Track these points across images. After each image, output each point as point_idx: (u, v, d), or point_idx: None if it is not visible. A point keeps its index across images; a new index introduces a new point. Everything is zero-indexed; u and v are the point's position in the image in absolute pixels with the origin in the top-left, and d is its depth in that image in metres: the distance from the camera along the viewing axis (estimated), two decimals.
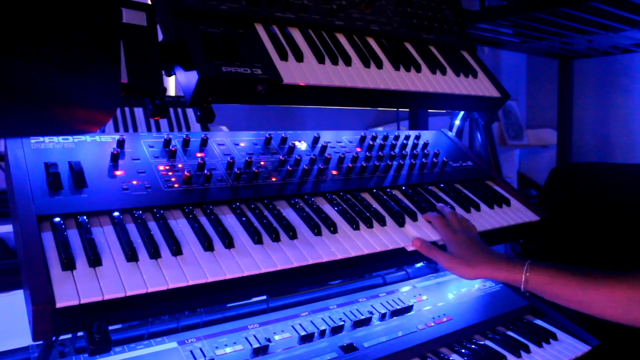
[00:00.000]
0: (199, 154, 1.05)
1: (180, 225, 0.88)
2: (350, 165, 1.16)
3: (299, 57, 0.97)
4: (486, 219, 1.18)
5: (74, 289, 0.70)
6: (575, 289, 0.91)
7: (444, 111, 2.36)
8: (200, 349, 0.96)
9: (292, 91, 0.95)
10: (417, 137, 1.39)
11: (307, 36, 1.03)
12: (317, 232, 0.95)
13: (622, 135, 3.20)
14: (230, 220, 0.93)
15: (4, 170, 0.91)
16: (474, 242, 1.03)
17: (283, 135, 1.18)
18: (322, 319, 1.10)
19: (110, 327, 0.73)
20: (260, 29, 0.98)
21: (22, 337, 0.93)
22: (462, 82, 1.21)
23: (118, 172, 0.93)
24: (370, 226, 1.02)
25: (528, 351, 1.11)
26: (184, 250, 0.83)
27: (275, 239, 0.90)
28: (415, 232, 1.05)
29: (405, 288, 1.32)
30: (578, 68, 2.92)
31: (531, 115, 3.68)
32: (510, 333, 1.18)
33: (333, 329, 1.06)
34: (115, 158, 0.94)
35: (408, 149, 1.32)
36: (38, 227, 0.78)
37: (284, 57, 0.96)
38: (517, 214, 1.25)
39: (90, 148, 0.97)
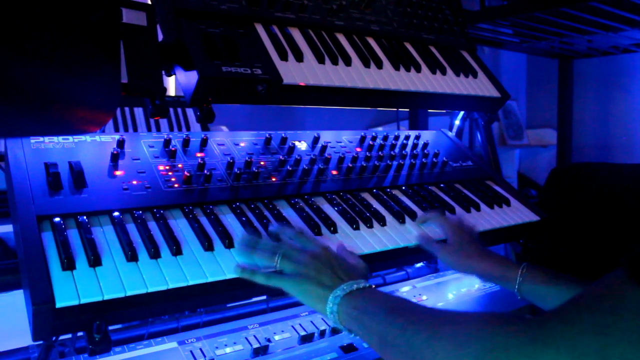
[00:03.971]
0: (199, 154, 1.05)
1: (180, 225, 0.88)
2: (350, 165, 1.16)
3: (299, 57, 0.97)
4: (486, 219, 1.18)
5: (74, 289, 0.70)
6: (565, 295, 0.89)
7: (444, 111, 2.36)
8: (200, 349, 0.96)
9: (292, 91, 0.95)
10: (417, 137, 1.39)
11: (307, 36, 1.03)
12: (317, 232, 0.95)
13: (622, 135, 3.20)
14: (230, 220, 0.93)
15: (4, 170, 0.91)
16: (475, 240, 1.03)
17: (283, 135, 1.18)
18: (322, 319, 1.10)
19: (110, 327, 0.73)
20: (260, 29, 0.98)
21: (22, 337, 0.93)
22: (462, 82, 1.21)
23: (118, 172, 0.93)
24: (371, 226, 1.02)
25: None
26: (184, 250, 0.83)
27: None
28: (415, 232, 1.05)
29: (405, 288, 1.32)
30: (578, 68, 2.92)
31: (531, 115, 3.68)
32: None
33: (333, 329, 1.06)
34: (115, 158, 0.94)
35: (408, 149, 1.32)
36: (38, 227, 0.78)
37: (284, 57, 0.96)
38: (517, 214, 1.25)
39: (90, 148, 0.97)
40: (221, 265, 0.82)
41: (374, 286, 0.77)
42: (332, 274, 0.78)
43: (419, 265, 1.50)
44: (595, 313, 0.50)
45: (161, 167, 0.98)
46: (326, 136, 1.25)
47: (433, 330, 0.61)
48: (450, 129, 2.14)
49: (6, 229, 1.30)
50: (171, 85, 2.12)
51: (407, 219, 1.08)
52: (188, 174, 0.96)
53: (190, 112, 2.09)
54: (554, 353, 0.50)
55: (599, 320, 0.49)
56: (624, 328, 0.48)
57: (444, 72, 1.19)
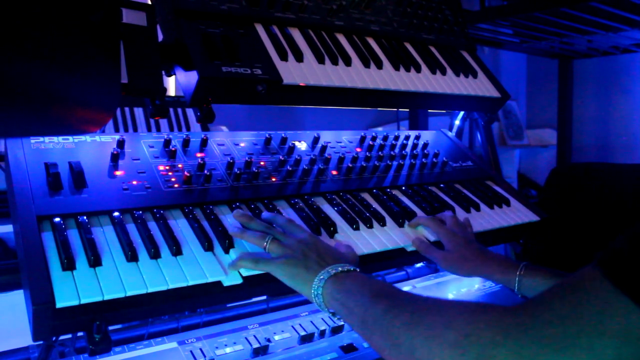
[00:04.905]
0: (199, 154, 1.05)
1: (180, 226, 0.88)
2: (350, 165, 1.16)
3: (299, 57, 0.97)
4: (486, 219, 1.18)
5: (74, 289, 0.70)
6: None
7: (444, 111, 2.36)
8: (200, 349, 0.96)
9: (292, 91, 0.95)
10: (417, 137, 1.39)
11: (307, 36, 1.03)
12: (317, 232, 0.95)
13: (622, 135, 3.20)
14: (230, 220, 0.92)
15: (4, 170, 0.91)
16: (471, 242, 1.03)
17: (283, 135, 1.18)
18: (322, 319, 1.10)
19: (110, 327, 0.73)
20: (260, 29, 0.98)
21: (22, 337, 0.93)
22: (462, 82, 1.21)
23: (118, 172, 0.93)
24: (370, 226, 1.02)
25: None
26: (184, 250, 0.83)
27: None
28: (415, 232, 1.05)
29: (405, 288, 1.32)
30: (578, 68, 2.92)
31: (531, 115, 3.68)
32: None
33: (333, 329, 1.06)
34: (115, 158, 0.94)
35: (408, 149, 1.32)
36: (38, 227, 0.78)
37: (284, 57, 0.96)
38: (517, 214, 1.25)
39: (90, 148, 0.97)
40: (221, 265, 0.82)
41: (358, 270, 0.78)
42: (318, 258, 0.80)
43: (419, 265, 1.50)
44: (562, 304, 0.52)
45: (161, 167, 0.98)
46: (326, 136, 1.25)
47: (412, 316, 0.62)
48: (450, 129, 2.14)
49: (6, 229, 1.30)
50: (171, 85, 2.12)
51: (407, 219, 1.08)
52: (188, 174, 0.96)
53: (190, 112, 2.09)
54: (523, 342, 0.51)
55: (565, 311, 0.51)
56: (588, 319, 0.49)
57: (444, 72, 1.19)
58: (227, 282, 0.80)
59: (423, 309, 0.63)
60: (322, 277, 0.76)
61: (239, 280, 0.81)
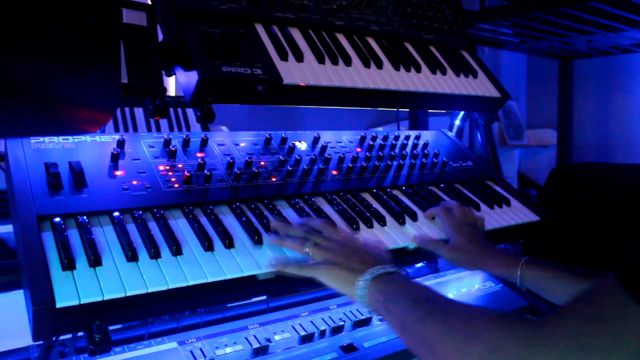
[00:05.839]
0: (199, 154, 1.05)
1: (180, 225, 0.88)
2: (351, 165, 1.16)
3: (299, 57, 0.97)
4: (486, 219, 1.18)
5: (74, 289, 0.70)
6: (571, 287, 0.91)
7: (444, 111, 2.36)
8: (200, 349, 0.96)
9: (292, 91, 0.95)
10: (417, 137, 1.39)
11: (307, 36, 1.03)
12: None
13: (622, 135, 3.20)
14: (230, 220, 0.92)
15: (4, 170, 0.92)
16: (476, 235, 1.04)
17: (283, 135, 1.18)
18: (322, 319, 1.10)
19: (111, 327, 0.73)
20: (260, 29, 0.98)
21: (22, 337, 0.93)
22: (462, 82, 1.21)
23: (118, 172, 0.93)
24: (371, 226, 1.02)
25: None
26: (184, 250, 0.83)
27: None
28: (415, 232, 1.05)
29: None
30: (578, 68, 2.92)
31: (531, 115, 3.68)
32: None
33: (333, 329, 1.06)
34: (115, 158, 0.94)
35: (408, 149, 1.32)
36: (38, 227, 0.78)
37: (284, 57, 0.96)
38: (517, 214, 1.25)
39: (90, 148, 0.97)
40: (221, 266, 0.82)
41: (398, 271, 0.80)
42: (360, 260, 0.82)
43: (419, 265, 1.50)
44: (580, 318, 0.53)
45: (161, 167, 0.98)
46: (326, 136, 1.25)
47: (446, 324, 0.64)
48: (450, 129, 2.14)
49: (6, 229, 1.30)
50: (171, 85, 2.12)
51: (407, 219, 1.08)
52: (188, 174, 0.96)
53: (190, 112, 2.09)
54: (547, 356, 0.53)
55: (584, 325, 0.52)
56: (608, 334, 0.50)
57: (444, 72, 1.19)
58: (262, 277, 0.83)
59: (456, 317, 0.65)
60: (366, 278, 0.78)
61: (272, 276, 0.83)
